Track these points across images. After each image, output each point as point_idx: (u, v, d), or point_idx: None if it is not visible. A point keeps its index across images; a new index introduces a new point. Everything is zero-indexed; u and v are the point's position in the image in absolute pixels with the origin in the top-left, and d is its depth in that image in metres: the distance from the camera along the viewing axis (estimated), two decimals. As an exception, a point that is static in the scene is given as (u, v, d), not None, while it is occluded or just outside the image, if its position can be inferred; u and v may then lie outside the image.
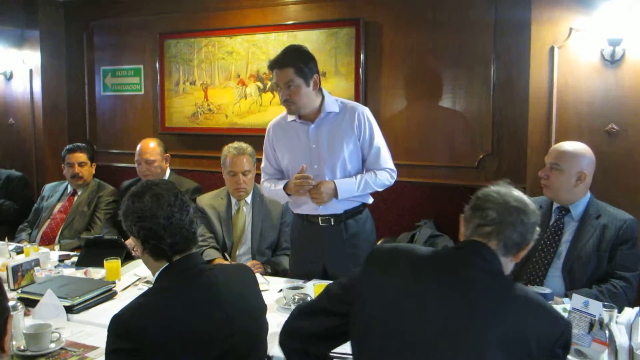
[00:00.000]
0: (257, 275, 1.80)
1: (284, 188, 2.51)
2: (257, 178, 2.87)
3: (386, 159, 2.54)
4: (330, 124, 2.48)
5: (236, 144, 3.01)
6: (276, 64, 2.39)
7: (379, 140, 2.52)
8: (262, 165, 2.69)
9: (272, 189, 2.58)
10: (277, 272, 2.84)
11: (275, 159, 2.63)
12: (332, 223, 2.52)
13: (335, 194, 2.42)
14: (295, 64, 2.36)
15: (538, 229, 1.44)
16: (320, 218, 2.53)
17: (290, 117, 2.52)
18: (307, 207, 2.54)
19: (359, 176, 2.48)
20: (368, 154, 2.52)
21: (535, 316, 1.29)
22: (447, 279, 1.34)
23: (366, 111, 2.51)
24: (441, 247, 3.11)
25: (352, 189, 2.45)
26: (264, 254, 2.98)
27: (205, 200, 3.12)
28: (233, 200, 3.04)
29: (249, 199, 3.04)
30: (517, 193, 1.44)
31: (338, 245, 2.51)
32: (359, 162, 2.54)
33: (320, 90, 2.48)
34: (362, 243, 2.54)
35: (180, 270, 1.51)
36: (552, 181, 2.42)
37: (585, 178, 2.41)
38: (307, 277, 2.51)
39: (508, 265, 1.42)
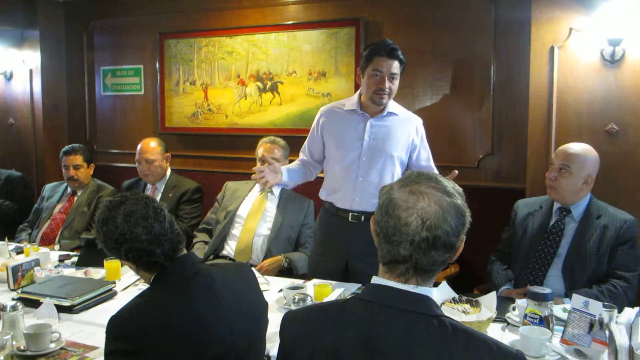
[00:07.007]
0: (257, 275, 1.80)
1: None
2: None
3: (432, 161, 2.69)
4: (390, 123, 2.53)
5: (272, 137, 3.18)
6: (392, 53, 2.44)
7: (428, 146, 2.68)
8: (302, 147, 2.72)
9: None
10: (290, 270, 2.88)
11: (317, 145, 2.62)
12: (362, 220, 2.52)
13: None
14: (401, 60, 2.47)
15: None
16: (350, 214, 2.53)
17: (349, 107, 2.54)
18: (341, 197, 2.54)
19: None
20: (427, 157, 2.65)
21: None
22: None
23: (421, 122, 2.63)
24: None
25: None
26: (277, 247, 3.00)
27: (232, 184, 3.31)
28: (258, 186, 3.16)
29: (276, 192, 3.12)
30: None
31: (365, 243, 2.48)
32: (402, 167, 2.59)
33: None
34: None
35: (177, 272, 1.50)
36: (559, 182, 2.41)
37: (591, 182, 2.41)
38: (327, 275, 2.48)
39: None
